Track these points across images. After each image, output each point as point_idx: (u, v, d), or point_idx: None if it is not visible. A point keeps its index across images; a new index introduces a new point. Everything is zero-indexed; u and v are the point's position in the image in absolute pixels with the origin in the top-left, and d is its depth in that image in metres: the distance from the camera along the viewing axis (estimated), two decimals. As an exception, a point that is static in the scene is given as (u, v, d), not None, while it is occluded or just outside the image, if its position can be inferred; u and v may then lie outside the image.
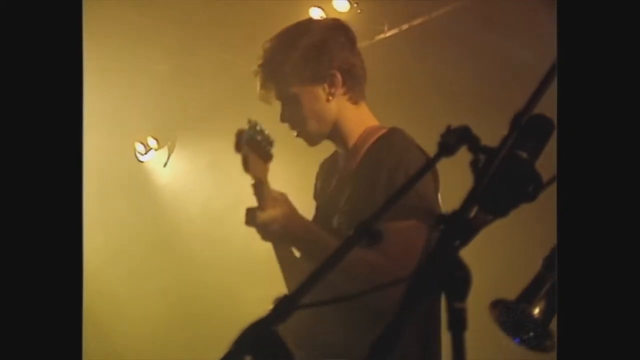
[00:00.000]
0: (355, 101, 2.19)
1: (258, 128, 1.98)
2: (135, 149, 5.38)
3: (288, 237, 2.00)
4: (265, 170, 2.02)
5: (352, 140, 2.18)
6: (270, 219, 1.96)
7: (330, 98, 2.15)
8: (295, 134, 2.22)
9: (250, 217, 1.98)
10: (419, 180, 1.87)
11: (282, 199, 2.01)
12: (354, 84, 2.18)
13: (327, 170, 2.34)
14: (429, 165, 1.14)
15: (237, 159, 5.57)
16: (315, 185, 2.40)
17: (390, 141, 2.10)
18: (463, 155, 1.14)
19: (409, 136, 2.13)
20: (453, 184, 2.11)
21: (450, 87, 4.14)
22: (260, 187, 1.99)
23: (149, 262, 5.24)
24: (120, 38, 4.55)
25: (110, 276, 5.17)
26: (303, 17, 3.98)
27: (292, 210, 2.00)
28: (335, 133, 2.19)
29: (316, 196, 2.37)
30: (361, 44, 4.51)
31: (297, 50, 2.14)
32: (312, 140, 2.22)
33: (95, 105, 4.83)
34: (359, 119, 2.19)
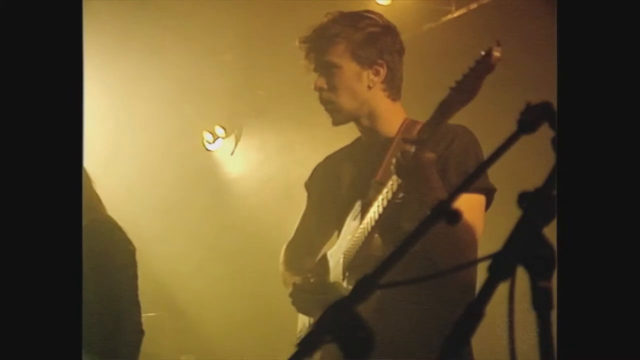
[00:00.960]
0: (393, 98, 2.24)
1: None
2: (203, 138, 5.46)
3: (424, 179, 1.97)
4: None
5: (392, 130, 2.21)
6: (429, 161, 1.95)
7: (371, 86, 2.20)
8: (323, 107, 2.24)
9: (413, 156, 1.94)
10: (491, 162, 1.90)
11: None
12: (393, 84, 2.23)
13: (351, 160, 2.34)
14: (507, 144, 1.10)
15: (305, 145, 5.59)
16: (317, 178, 2.44)
17: (448, 130, 2.12)
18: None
19: (456, 124, 2.16)
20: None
21: (523, 69, 4.04)
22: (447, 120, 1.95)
23: (219, 251, 5.32)
24: (186, 29, 4.63)
25: (184, 265, 5.28)
26: (365, 5, 3.97)
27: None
28: (371, 121, 2.22)
29: (325, 188, 2.39)
30: (427, 26, 4.49)
31: (358, 30, 2.20)
32: (338, 116, 2.24)
33: (163, 96, 4.94)
34: (396, 112, 2.25)
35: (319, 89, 2.22)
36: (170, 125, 5.16)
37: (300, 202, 5.07)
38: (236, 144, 5.48)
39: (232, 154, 5.50)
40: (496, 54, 1.80)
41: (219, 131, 5.44)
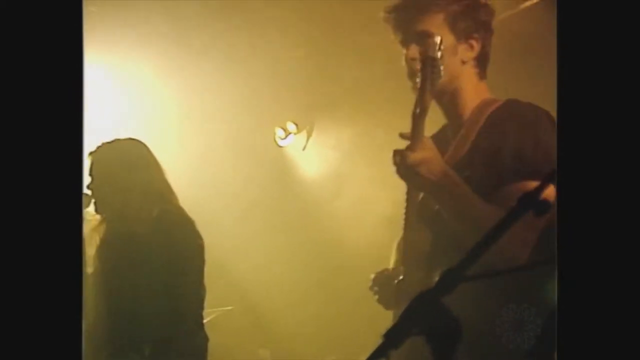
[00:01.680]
0: (480, 77, 2.18)
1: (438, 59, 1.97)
2: (275, 134, 5.48)
3: (432, 181, 1.95)
4: (430, 103, 2.00)
5: (468, 110, 2.15)
6: (420, 160, 1.92)
7: (465, 60, 2.14)
8: (410, 81, 2.16)
9: (400, 158, 1.94)
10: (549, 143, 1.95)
11: (429, 142, 1.97)
12: (484, 62, 2.18)
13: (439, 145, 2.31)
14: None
15: (375, 140, 5.55)
16: None
17: (511, 110, 2.09)
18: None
19: (528, 103, 2.11)
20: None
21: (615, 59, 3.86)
22: (421, 119, 1.97)
23: (292, 245, 5.33)
24: (258, 25, 4.66)
25: (256, 259, 5.33)
26: None
27: (437, 154, 1.98)
28: (454, 99, 2.16)
29: None
30: (503, 15, 4.34)
31: (454, 1, 2.14)
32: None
33: (235, 92, 4.99)
34: (478, 92, 2.18)
35: (410, 60, 2.14)
36: (242, 121, 5.20)
37: (372, 197, 5.03)
38: (308, 140, 5.48)
39: (303, 149, 5.51)
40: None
41: (291, 127, 5.45)
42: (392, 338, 0.98)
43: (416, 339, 1.01)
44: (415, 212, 2.09)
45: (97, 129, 3.45)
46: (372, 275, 2.30)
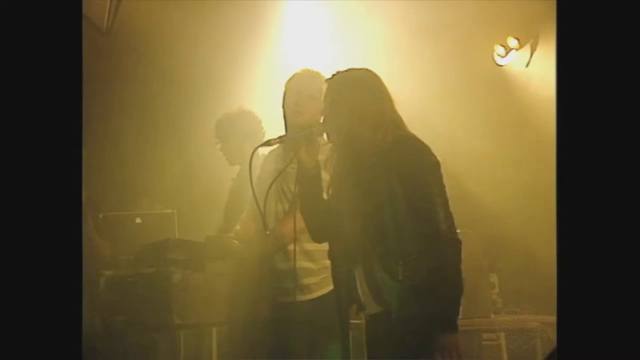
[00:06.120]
0: None
1: None
2: (494, 52, 5.14)
3: None
4: None
5: None
6: None
7: None
8: None
9: None
10: None
11: None
12: None
13: None
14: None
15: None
16: None
17: None
18: None
19: None
20: None
21: None
22: None
23: (517, 172, 5.07)
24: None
25: (480, 187, 5.13)
26: None
27: None
28: None
29: None
30: None
31: None
32: None
33: (450, 11, 4.74)
34: None
35: None
36: (458, 41, 4.98)
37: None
38: (532, 55, 5.06)
39: (527, 65, 5.10)
40: None
41: (512, 42, 5.07)
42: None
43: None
44: None
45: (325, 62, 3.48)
46: None
